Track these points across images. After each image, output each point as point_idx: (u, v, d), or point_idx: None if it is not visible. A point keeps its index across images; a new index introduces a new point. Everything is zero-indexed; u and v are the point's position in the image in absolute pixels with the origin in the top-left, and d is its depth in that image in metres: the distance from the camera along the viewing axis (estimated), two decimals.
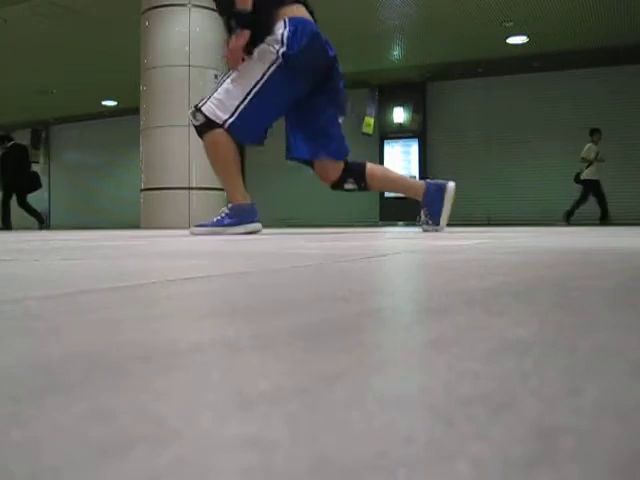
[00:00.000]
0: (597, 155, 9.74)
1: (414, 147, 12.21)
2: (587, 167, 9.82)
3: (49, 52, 10.27)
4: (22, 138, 16.25)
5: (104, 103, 14.17)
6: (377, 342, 0.41)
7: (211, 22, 6.70)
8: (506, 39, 9.82)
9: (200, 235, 3.22)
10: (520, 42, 9.93)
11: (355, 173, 3.49)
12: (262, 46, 3.32)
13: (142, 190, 6.88)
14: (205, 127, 3.28)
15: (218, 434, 0.23)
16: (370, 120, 12.10)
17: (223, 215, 3.34)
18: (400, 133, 12.27)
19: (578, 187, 10.97)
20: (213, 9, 6.69)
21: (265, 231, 3.71)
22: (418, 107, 12.17)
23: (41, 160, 16.39)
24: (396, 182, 3.62)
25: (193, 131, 6.65)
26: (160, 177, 6.66)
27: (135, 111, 7.57)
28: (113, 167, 15.24)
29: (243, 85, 3.28)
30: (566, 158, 11.05)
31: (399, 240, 2.57)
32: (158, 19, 6.66)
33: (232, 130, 3.26)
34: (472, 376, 0.31)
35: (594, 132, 9.85)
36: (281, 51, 3.25)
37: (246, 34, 3.27)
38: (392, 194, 12.23)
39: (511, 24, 9.12)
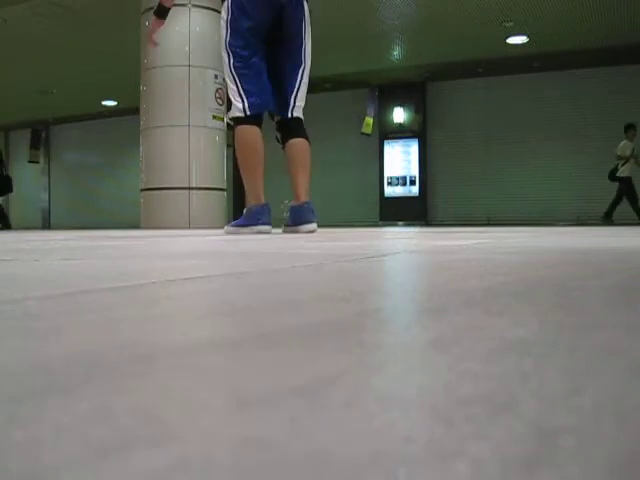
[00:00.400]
0: (633, 152, 9.53)
1: (414, 147, 12.20)
2: (623, 164, 9.60)
3: (49, 52, 10.26)
4: (22, 138, 16.29)
5: (104, 103, 14.17)
6: (377, 342, 0.41)
7: (211, 22, 6.70)
8: (506, 39, 9.81)
9: (231, 233, 3.46)
10: (520, 42, 9.92)
11: (284, 131, 3.68)
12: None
13: (142, 190, 6.88)
14: (235, 125, 3.55)
15: (218, 434, 0.23)
16: (370, 120, 12.09)
17: (246, 214, 3.57)
18: (400, 133, 12.26)
19: (578, 187, 10.98)
20: (213, 9, 6.71)
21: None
22: (418, 107, 12.16)
23: (41, 160, 16.39)
24: (293, 177, 3.71)
25: (193, 131, 6.69)
26: (160, 177, 6.66)
27: (135, 111, 7.56)
28: (113, 167, 15.24)
29: (226, 66, 3.56)
30: (566, 158, 11.05)
31: (399, 240, 2.57)
32: None
33: (254, 109, 3.48)
34: (472, 376, 0.31)
35: (629, 128, 9.45)
36: (229, 2, 3.56)
37: (158, 23, 3.82)
38: (392, 194, 12.28)
39: (511, 24, 9.11)
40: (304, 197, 3.68)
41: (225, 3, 3.55)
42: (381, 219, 12.11)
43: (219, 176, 6.91)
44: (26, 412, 0.26)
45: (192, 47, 6.56)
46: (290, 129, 3.66)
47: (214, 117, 6.67)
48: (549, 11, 8.61)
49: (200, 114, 6.58)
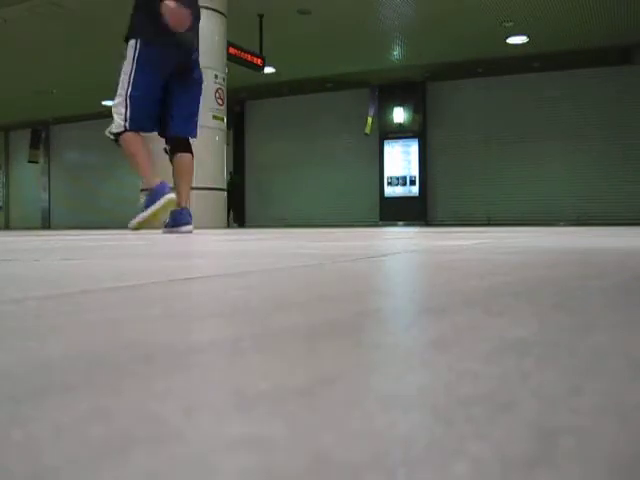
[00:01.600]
0: None
1: (414, 147, 12.19)
2: None
3: (49, 52, 10.26)
4: (22, 138, 16.27)
5: (104, 103, 14.14)
6: (377, 342, 0.41)
7: (211, 22, 6.69)
8: (506, 39, 9.80)
9: (135, 227, 3.97)
10: (520, 42, 9.91)
11: (174, 145, 4.20)
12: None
13: (142, 190, 6.87)
14: (117, 137, 4.03)
15: (218, 434, 0.23)
16: (370, 120, 12.09)
17: (147, 199, 4.04)
18: (400, 133, 12.24)
19: (578, 187, 10.97)
20: (213, 9, 6.71)
21: (266, 231, 3.72)
22: (418, 107, 12.14)
23: (41, 160, 16.38)
24: (178, 185, 4.26)
25: None
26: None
27: None
28: (113, 167, 15.22)
29: (122, 90, 4.04)
30: (566, 158, 11.05)
31: (399, 240, 2.57)
32: None
33: (132, 129, 3.96)
34: (472, 376, 0.31)
35: None
36: (138, 43, 4.02)
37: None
38: (392, 194, 12.28)
39: (511, 24, 9.10)
40: (184, 203, 4.21)
41: (133, 42, 3.94)
42: (381, 219, 12.10)
43: (219, 176, 6.90)
44: (26, 412, 0.26)
45: None
46: (181, 145, 4.20)
47: (214, 117, 6.66)
48: (549, 11, 8.61)
49: (200, 114, 6.57)
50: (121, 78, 3.98)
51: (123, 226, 8.75)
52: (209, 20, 6.68)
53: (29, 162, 16.20)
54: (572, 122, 11.04)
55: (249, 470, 0.19)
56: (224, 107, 6.76)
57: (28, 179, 16.64)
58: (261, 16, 8.30)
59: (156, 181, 4.00)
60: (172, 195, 3.98)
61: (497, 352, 0.37)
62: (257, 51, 8.37)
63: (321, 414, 0.25)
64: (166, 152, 4.26)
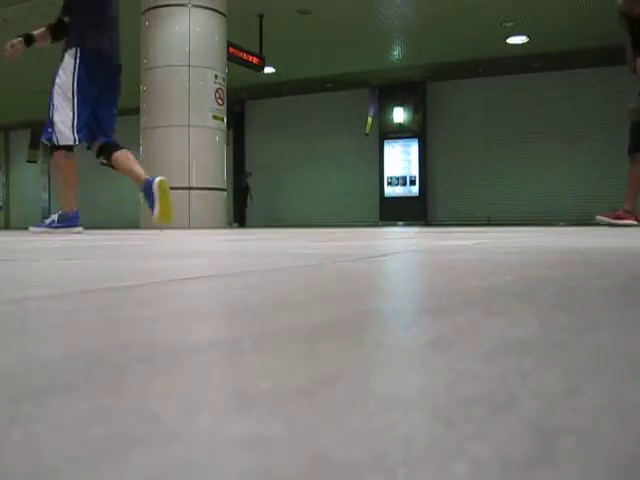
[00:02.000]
0: None
1: (414, 147, 12.19)
2: None
3: (49, 52, 10.25)
4: (22, 138, 16.27)
5: None
6: (377, 342, 0.41)
7: (211, 22, 6.69)
8: (506, 39, 9.80)
9: (37, 233, 4.06)
10: (520, 42, 9.91)
11: (106, 151, 4.36)
12: None
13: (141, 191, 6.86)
14: (56, 150, 4.26)
15: (218, 434, 0.23)
16: (370, 120, 12.10)
17: (55, 219, 4.31)
18: (400, 133, 12.25)
19: (578, 187, 10.97)
20: (213, 9, 6.71)
21: (266, 231, 3.72)
22: (418, 107, 12.15)
23: (40, 160, 16.38)
24: (130, 171, 4.37)
25: (193, 131, 6.83)
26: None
27: (135, 111, 7.56)
28: None
29: (68, 102, 4.31)
30: (566, 158, 11.05)
31: (399, 240, 2.57)
32: (158, 19, 6.65)
33: (80, 142, 4.23)
34: (472, 376, 0.31)
35: None
36: (77, 60, 4.47)
37: (22, 47, 4.69)
38: (392, 194, 12.30)
39: (511, 24, 9.11)
40: (145, 176, 4.29)
41: (72, 50, 4.29)
42: (381, 219, 12.10)
43: (219, 176, 6.90)
44: (26, 412, 0.26)
45: (192, 47, 6.56)
46: (113, 147, 4.37)
47: (214, 117, 6.66)
48: (549, 11, 8.61)
49: (200, 114, 6.57)
50: (61, 90, 4.15)
51: (123, 226, 8.74)
52: (209, 20, 6.68)
53: (28, 162, 16.19)
54: (572, 122, 11.04)
55: (249, 470, 0.19)
56: (224, 107, 6.76)
57: (28, 179, 16.64)
58: (261, 16, 8.30)
59: (73, 208, 4.31)
60: (80, 229, 4.24)
61: (497, 352, 0.37)
62: (257, 51, 8.37)
63: (321, 414, 0.25)
64: (102, 164, 4.45)
